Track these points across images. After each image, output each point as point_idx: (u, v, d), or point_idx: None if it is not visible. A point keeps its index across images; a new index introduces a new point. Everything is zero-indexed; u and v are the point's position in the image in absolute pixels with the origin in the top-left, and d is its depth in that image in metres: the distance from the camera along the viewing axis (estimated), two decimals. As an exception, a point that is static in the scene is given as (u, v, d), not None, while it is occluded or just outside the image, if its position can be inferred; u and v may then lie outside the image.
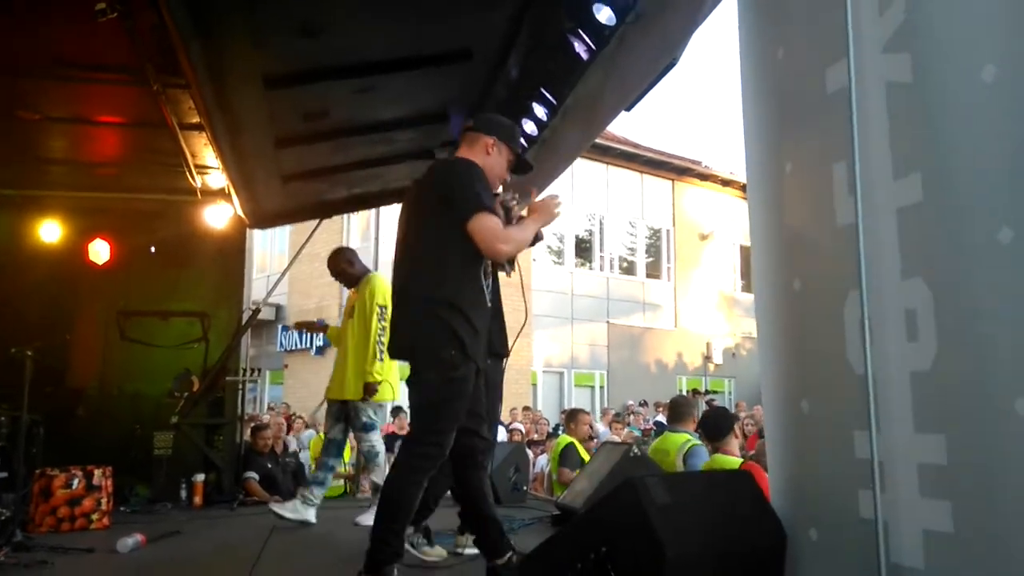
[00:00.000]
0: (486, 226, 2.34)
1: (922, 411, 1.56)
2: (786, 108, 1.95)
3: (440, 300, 2.40)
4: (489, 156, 2.58)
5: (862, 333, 1.61)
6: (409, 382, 2.52)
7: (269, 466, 6.05)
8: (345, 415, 4.37)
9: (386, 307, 4.19)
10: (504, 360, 3.36)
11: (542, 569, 2.09)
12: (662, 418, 10.49)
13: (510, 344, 3.35)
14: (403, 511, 2.41)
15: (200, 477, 5.31)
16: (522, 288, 2.83)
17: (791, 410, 1.94)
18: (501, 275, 3.14)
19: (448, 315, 2.38)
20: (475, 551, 3.19)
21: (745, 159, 2.09)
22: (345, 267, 4.57)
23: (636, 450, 4.17)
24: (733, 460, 3.61)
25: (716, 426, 4.01)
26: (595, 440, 7.46)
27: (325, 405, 4.47)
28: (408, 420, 4.13)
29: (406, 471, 2.41)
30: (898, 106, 1.61)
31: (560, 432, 7.62)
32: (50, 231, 5.57)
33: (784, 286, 1.95)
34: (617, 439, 7.72)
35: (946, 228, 1.53)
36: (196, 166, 4.96)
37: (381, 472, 4.26)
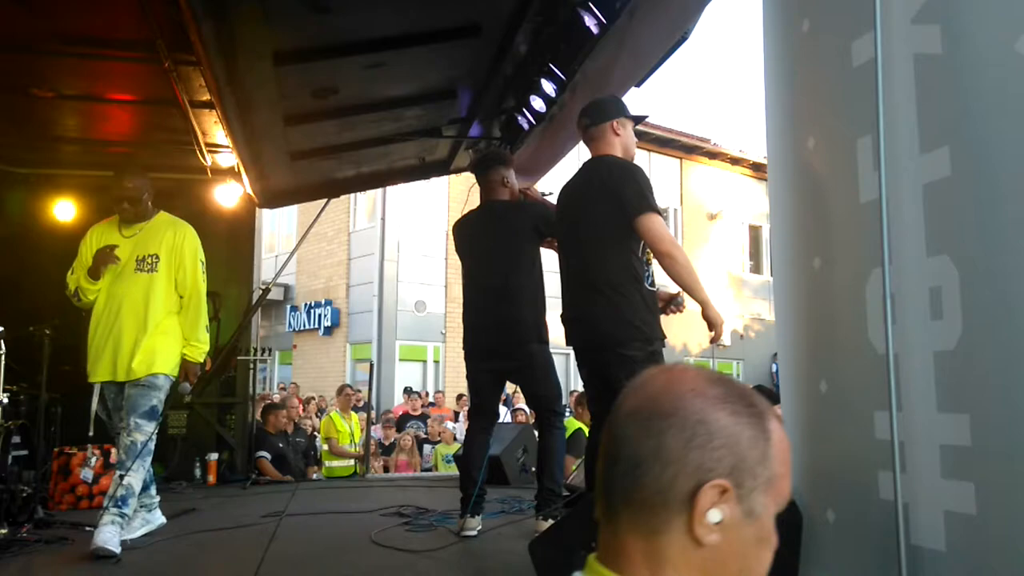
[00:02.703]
0: (662, 227, 2.65)
1: (945, 391, 1.54)
2: (810, 82, 1.91)
3: (630, 283, 2.62)
4: (620, 136, 2.82)
5: (884, 311, 1.59)
6: (604, 363, 2.65)
7: (280, 445, 6.11)
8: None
9: (204, 263, 3.42)
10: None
11: (553, 549, 2.10)
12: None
13: None
14: None
15: (214, 456, 5.37)
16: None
17: (809, 390, 1.92)
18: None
19: (639, 296, 2.62)
20: (475, 532, 3.27)
21: (766, 134, 2.05)
22: (146, 191, 3.34)
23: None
24: None
25: None
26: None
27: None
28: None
29: None
30: (927, 79, 1.57)
31: (568, 415, 7.63)
32: (64, 210, 5.58)
33: (804, 264, 1.93)
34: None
35: (974, 204, 1.49)
36: (206, 144, 4.95)
37: (140, 477, 3.16)
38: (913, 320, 1.59)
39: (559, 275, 2.89)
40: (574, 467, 5.69)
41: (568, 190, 2.94)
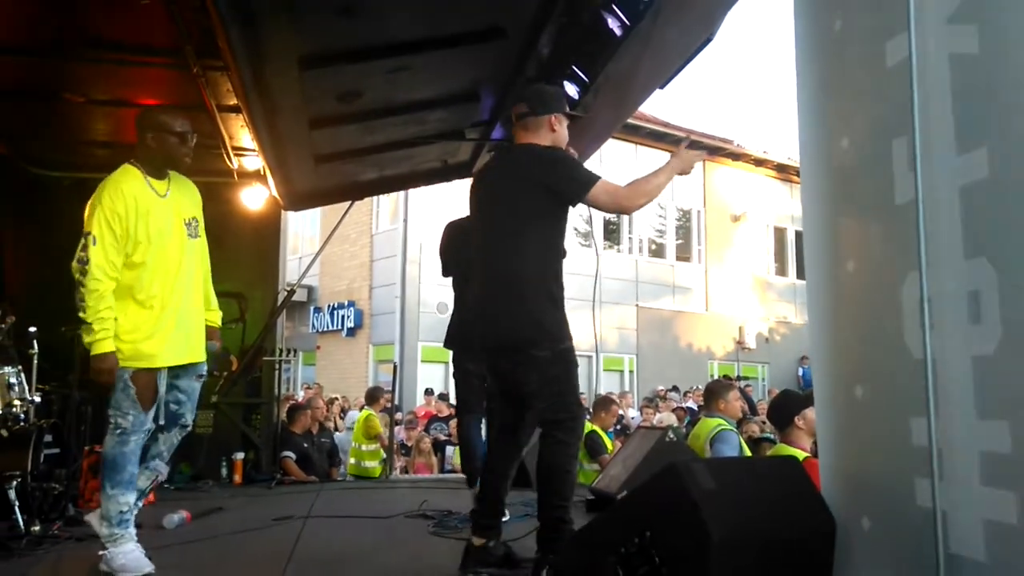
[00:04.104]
0: (609, 189, 2.52)
1: (985, 397, 1.51)
2: (843, 82, 1.89)
3: (546, 281, 2.54)
4: (555, 132, 2.71)
5: (921, 315, 1.56)
6: (516, 365, 2.57)
7: (305, 445, 6.16)
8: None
9: None
10: None
11: (584, 552, 2.09)
12: (691, 404, 10.43)
13: None
14: (570, 486, 2.50)
15: (239, 455, 5.43)
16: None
17: (844, 396, 1.90)
18: None
19: (554, 295, 2.55)
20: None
21: (798, 135, 2.03)
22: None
23: (671, 435, 4.15)
24: (797, 453, 3.01)
25: (776, 414, 3.44)
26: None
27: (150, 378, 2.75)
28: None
29: (562, 448, 2.48)
30: (963, 79, 1.54)
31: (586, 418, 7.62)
32: (95, 213, 5.68)
33: (837, 267, 1.90)
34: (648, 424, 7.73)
35: (1013, 205, 1.46)
36: (233, 148, 5.01)
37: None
38: (951, 324, 1.56)
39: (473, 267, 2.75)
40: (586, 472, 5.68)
41: (489, 177, 2.79)
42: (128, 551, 2.68)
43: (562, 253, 2.64)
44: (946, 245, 1.56)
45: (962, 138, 1.55)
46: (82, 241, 2.70)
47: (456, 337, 3.61)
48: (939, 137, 1.58)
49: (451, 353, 3.71)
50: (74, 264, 2.68)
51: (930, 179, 1.58)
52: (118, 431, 2.74)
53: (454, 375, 3.78)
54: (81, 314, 2.68)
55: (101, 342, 2.68)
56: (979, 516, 1.49)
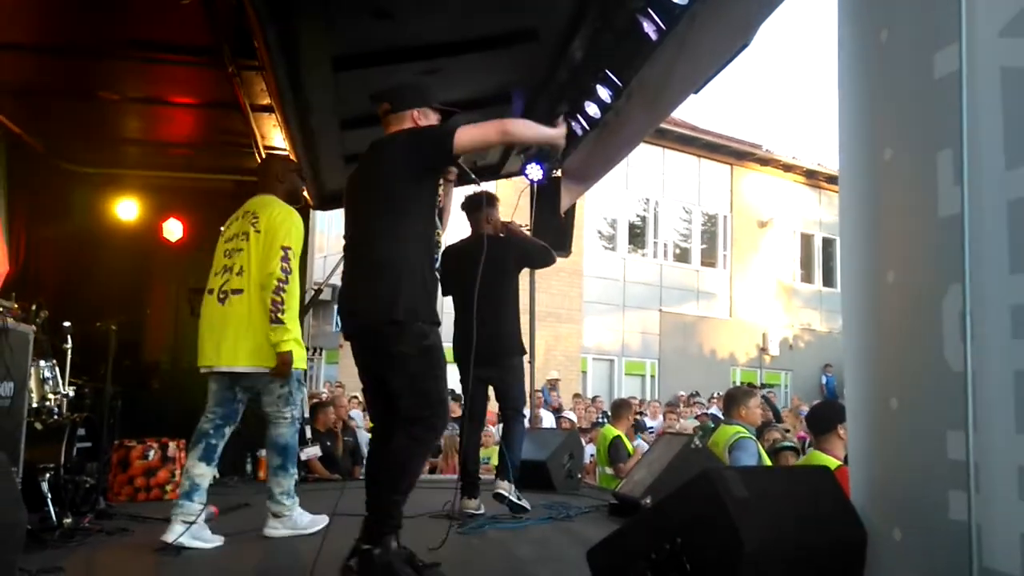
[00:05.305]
0: (475, 128, 2.51)
1: (1026, 412, 1.48)
2: (888, 93, 1.86)
3: (407, 266, 2.45)
4: (418, 125, 2.65)
5: (963, 328, 1.54)
6: (385, 359, 2.50)
7: (328, 444, 6.20)
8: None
9: None
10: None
11: (615, 557, 2.09)
12: (715, 411, 10.33)
13: None
14: (409, 484, 2.51)
15: (265, 452, 5.47)
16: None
17: (878, 407, 1.88)
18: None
19: (418, 279, 2.45)
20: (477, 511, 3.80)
21: (838, 144, 2.01)
22: None
23: (696, 441, 4.12)
24: (830, 460, 3.00)
25: (818, 419, 3.47)
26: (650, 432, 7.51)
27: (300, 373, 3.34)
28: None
29: (415, 446, 2.48)
30: (1014, 92, 1.53)
31: (605, 422, 7.62)
32: (127, 209, 5.79)
33: (876, 278, 1.88)
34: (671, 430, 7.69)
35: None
36: (265, 147, 5.08)
37: None
38: (993, 338, 1.54)
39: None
40: (609, 475, 5.67)
41: (356, 171, 2.75)
42: (302, 512, 3.32)
43: (430, 237, 2.56)
44: (991, 259, 1.54)
45: (1011, 152, 1.53)
46: (281, 252, 3.06)
47: (459, 351, 3.85)
48: (987, 151, 1.57)
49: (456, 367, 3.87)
50: (277, 272, 3.02)
51: (977, 192, 1.56)
52: (292, 422, 3.30)
53: (460, 382, 3.97)
54: (279, 315, 3.03)
55: (291, 341, 3.10)
56: (1016, 530, 1.48)
